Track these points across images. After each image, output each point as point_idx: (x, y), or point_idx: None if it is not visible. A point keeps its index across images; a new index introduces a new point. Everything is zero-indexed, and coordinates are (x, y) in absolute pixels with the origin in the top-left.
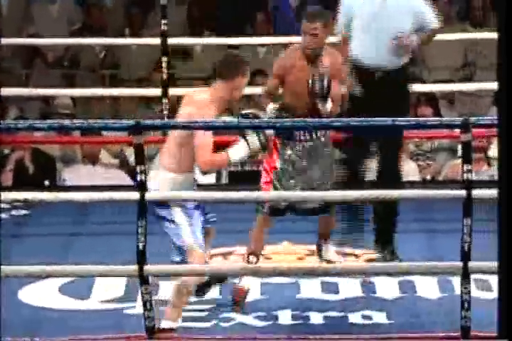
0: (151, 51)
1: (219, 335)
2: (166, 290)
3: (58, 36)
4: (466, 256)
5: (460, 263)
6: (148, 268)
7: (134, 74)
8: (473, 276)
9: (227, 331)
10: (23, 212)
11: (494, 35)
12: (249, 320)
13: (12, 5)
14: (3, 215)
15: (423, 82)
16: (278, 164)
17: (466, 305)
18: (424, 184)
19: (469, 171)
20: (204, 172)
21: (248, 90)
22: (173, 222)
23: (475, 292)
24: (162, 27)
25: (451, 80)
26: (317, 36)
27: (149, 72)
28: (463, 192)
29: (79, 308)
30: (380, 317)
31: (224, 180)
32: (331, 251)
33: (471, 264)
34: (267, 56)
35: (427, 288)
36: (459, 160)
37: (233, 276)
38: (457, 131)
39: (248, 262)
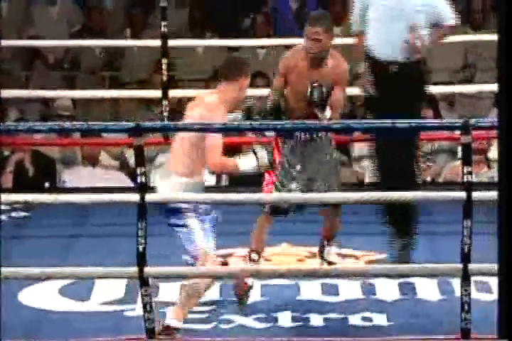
0: (152, 53)
1: (219, 337)
2: (166, 291)
3: (58, 38)
4: (466, 258)
5: (460, 265)
6: (148, 270)
7: (135, 76)
8: (473, 278)
9: (227, 333)
10: (23, 213)
11: (494, 37)
12: (249, 321)
13: (12, 7)
14: (3, 217)
15: None
16: (279, 161)
17: (466, 307)
18: (424, 186)
19: (469, 173)
20: (212, 173)
21: (248, 92)
22: (185, 226)
23: (475, 294)
24: (162, 29)
25: (451, 82)
26: (320, 41)
27: (149, 74)
28: (463, 194)
29: (79, 310)
30: (380, 319)
31: (224, 182)
32: (332, 253)
33: (471, 266)
34: (266, 58)
35: (427, 289)
36: (459, 162)
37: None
38: (457, 132)
39: (250, 259)
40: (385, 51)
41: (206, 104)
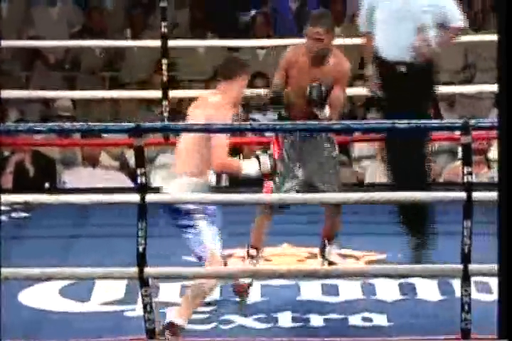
0: (152, 53)
1: (219, 337)
2: (166, 292)
3: (59, 38)
4: (466, 259)
5: (460, 266)
6: (148, 270)
7: (135, 76)
8: (473, 278)
9: (227, 333)
10: (23, 214)
11: (494, 38)
12: (249, 322)
13: (12, 7)
14: (3, 217)
15: None
16: (278, 154)
17: (466, 307)
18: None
19: (469, 173)
20: (217, 173)
21: (248, 92)
22: (195, 228)
23: (475, 294)
24: (162, 29)
25: (451, 82)
26: (321, 41)
27: (150, 75)
28: (463, 195)
29: (79, 311)
30: (380, 320)
31: (224, 182)
32: (333, 253)
33: (472, 266)
34: (266, 58)
35: (428, 290)
36: (459, 163)
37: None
38: (457, 133)
39: (249, 255)
40: (392, 52)
41: (213, 104)
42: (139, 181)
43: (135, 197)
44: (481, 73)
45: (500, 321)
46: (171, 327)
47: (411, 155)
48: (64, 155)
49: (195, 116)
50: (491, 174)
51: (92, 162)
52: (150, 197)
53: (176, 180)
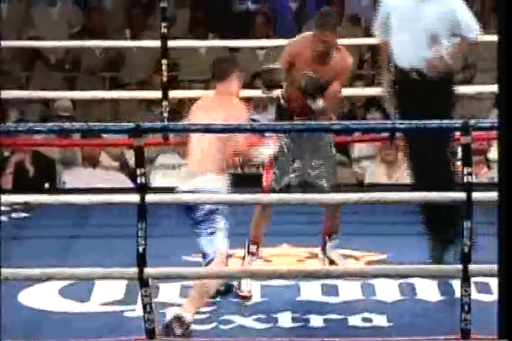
0: (152, 54)
1: (219, 338)
2: (166, 292)
3: (58, 39)
4: (466, 259)
5: (460, 266)
6: (148, 270)
7: (134, 76)
8: (473, 279)
9: (227, 333)
10: (23, 214)
11: (494, 38)
12: (249, 322)
13: (12, 7)
14: (3, 218)
15: None
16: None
17: (466, 307)
18: None
19: (469, 174)
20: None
21: (248, 92)
22: (213, 227)
23: (475, 294)
24: (162, 29)
25: None
26: (328, 42)
27: (150, 75)
28: (463, 195)
29: (79, 311)
30: (380, 320)
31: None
32: (336, 253)
33: (471, 267)
34: (266, 59)
35: (427, 290)
36: (459, 163)
37: (233, 279)
38: (457, 133)
39: (248, 252)
40: (407, 59)
41: (234, 105)
42: (138, 181)
43: (135, 198)
44: (480, 73)
45: (500, 321)
46: (178, 320)
47: (436, 156)
48: (64, 155)
49: (216, 115)
50: (491, 174)
51: (92, 162)
52: (150, 198)
53: (197, 178)
